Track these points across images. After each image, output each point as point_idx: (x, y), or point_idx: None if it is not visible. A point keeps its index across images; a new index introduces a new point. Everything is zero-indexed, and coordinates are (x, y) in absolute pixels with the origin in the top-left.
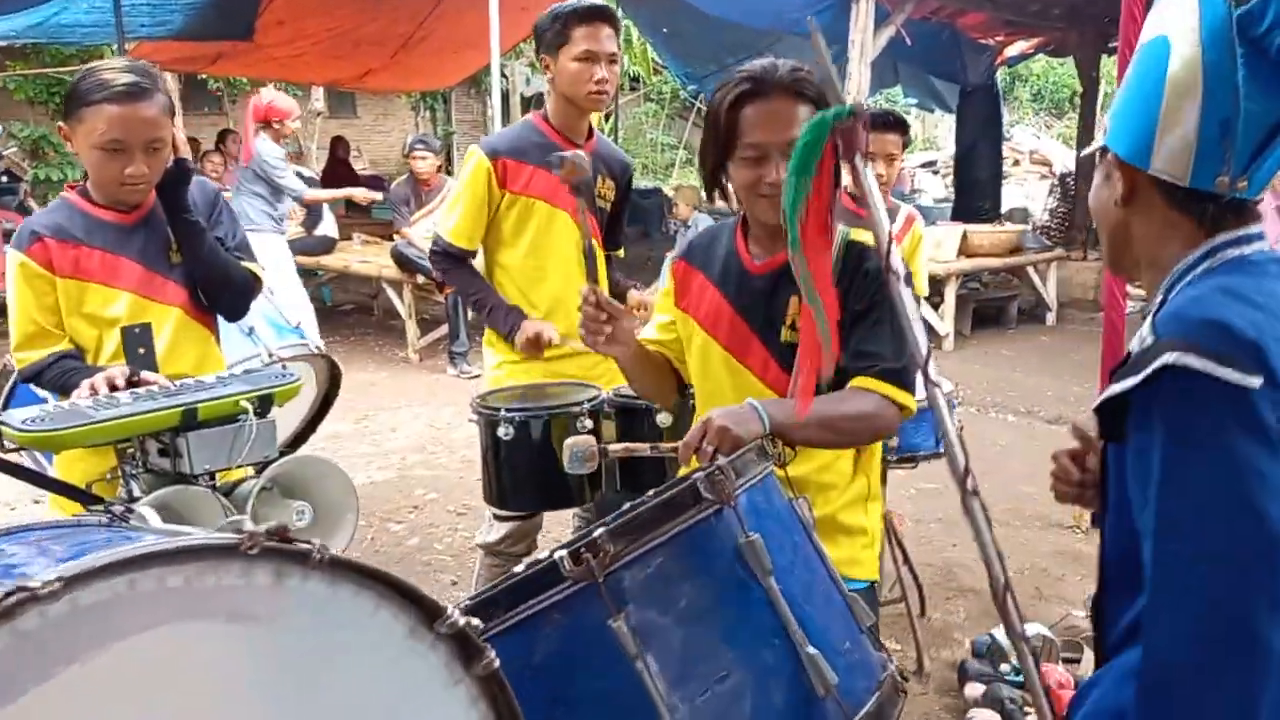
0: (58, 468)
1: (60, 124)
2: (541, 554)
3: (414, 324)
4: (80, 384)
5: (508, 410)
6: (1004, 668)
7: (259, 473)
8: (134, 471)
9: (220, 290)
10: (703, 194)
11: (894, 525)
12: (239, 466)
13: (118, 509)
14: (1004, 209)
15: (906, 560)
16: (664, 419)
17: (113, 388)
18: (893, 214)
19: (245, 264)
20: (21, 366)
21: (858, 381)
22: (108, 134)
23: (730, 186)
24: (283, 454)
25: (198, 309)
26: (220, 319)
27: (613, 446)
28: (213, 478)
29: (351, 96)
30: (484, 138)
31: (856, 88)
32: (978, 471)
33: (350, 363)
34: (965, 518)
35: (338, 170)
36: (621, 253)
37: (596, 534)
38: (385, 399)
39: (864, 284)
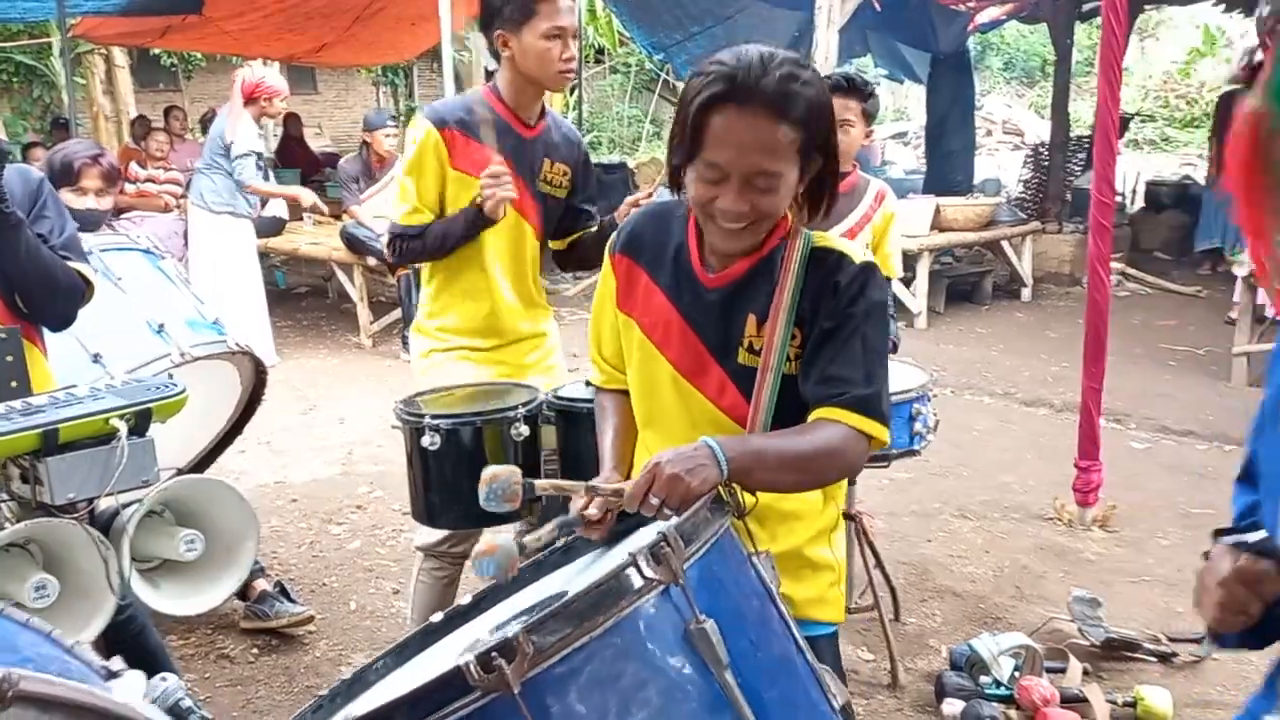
0: None
1: None
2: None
3: (366, 308)
4: None
5: (434, 417)
6: (984, 680)
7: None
8: None
9: (43, 296)
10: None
11: (864, 525)
12: (111, 494)
13: None
14: (977, 180)
15: (879, 563)
16: None
17: None
18: (861, 190)
19: (73, 265)
20: None
21: (823, 412)
22: None
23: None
24: (180, 472)
25: (13, 318)
26: (92, 319)
27: (539, 483)
28: (90, 504)
29: (312, 72)
30: (431, 105)
31: (825, 57)
32: (954, 460)
33: (302, 349)
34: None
35: (291, 148)
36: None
37: (512, 633)
38: (334, 387)
39: (836, 297)
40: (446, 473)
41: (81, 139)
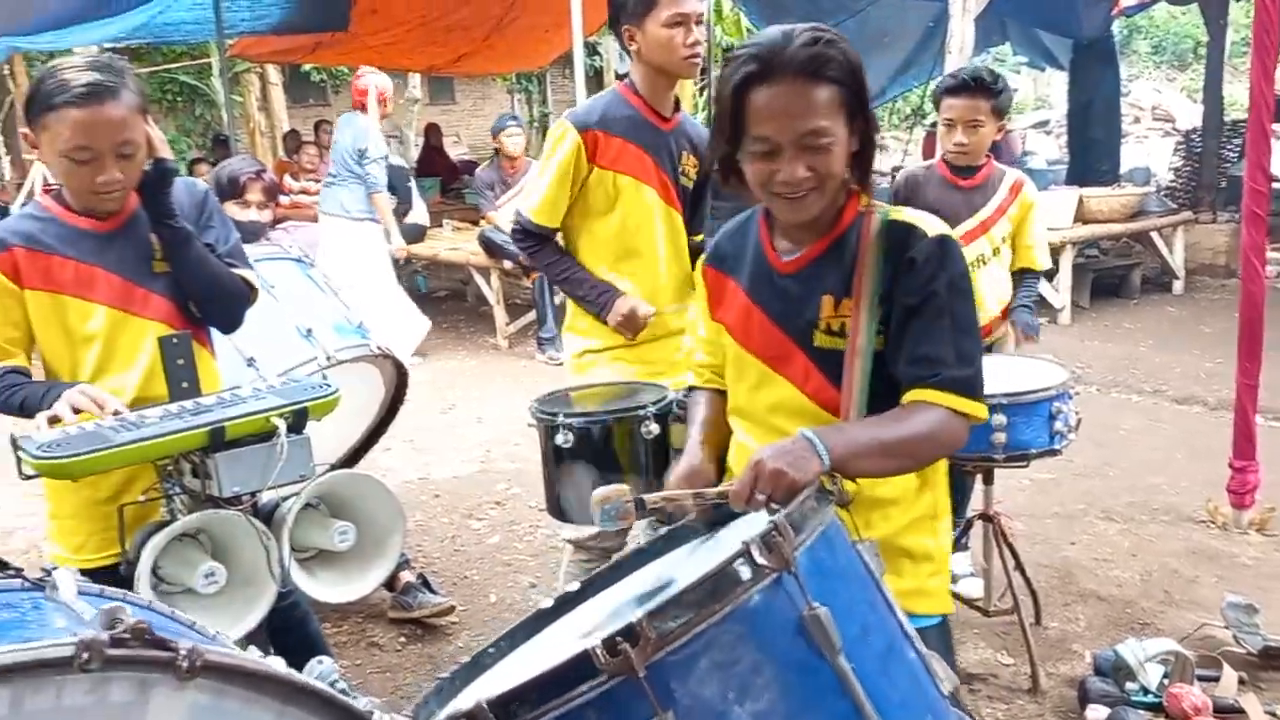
0: (84, 486)
1: (23, 130)
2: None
3: (502, 309)
4: (20, 402)
5: (566, 415)
6: (1130, 687)
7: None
8: (172, 491)
9: (211, 301)
10: None
11: (1002, 526)
12: (272, 488)
13: (33, 575)
14: (1123, 170)
15: (1019, 564)
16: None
17: (76, 411)
18: (995, 181)
19: (239, 271)
20: None
21: (918, 394)
22: (72, 140)
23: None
24: (333, 468)
25: (186, 323)
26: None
27: (650, 498)
28: (254, 497)
29: (450, 83)
30: (572, 110)
31: (960, 47)
32: (1099, 460)
33: (441, 350)
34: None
35: (432, 157)
36: (700, 237)
37: (636, 619)
38: (473, 387)
39: (913, 273)
40: (579, 469)
41: (244, 156)
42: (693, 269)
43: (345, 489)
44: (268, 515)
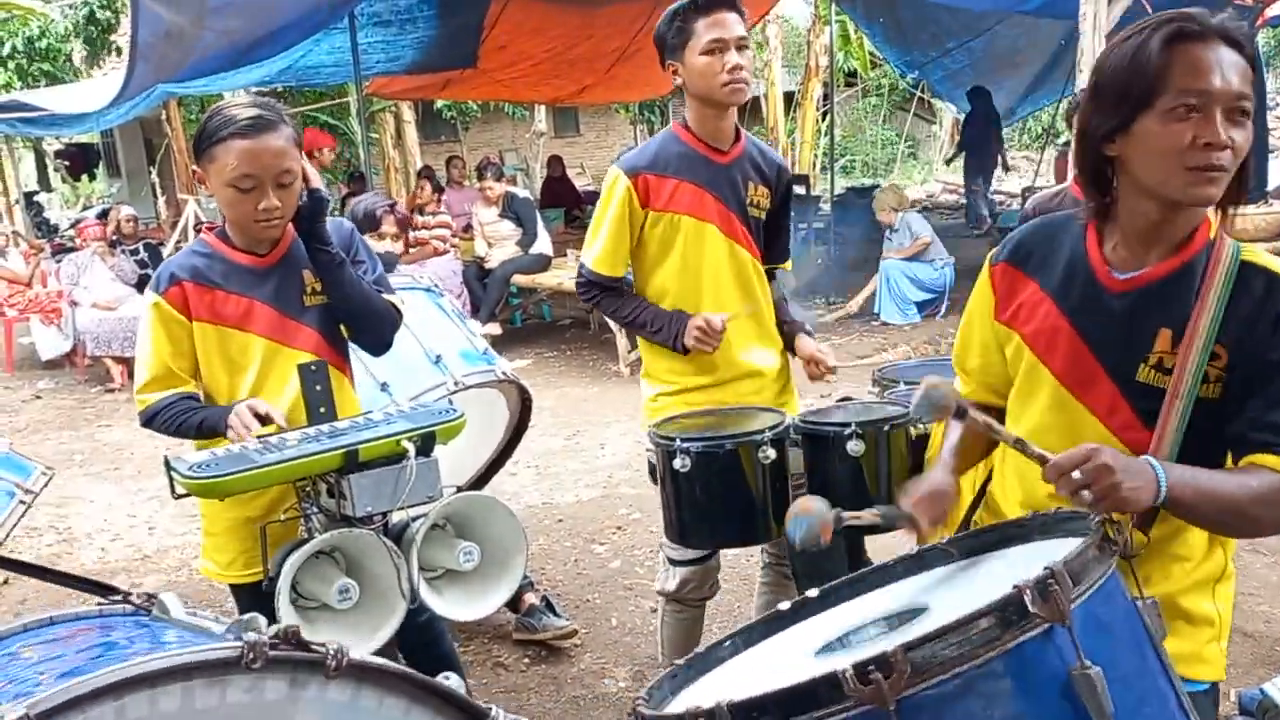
0: (236, 505)
1: (193, 168)
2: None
3: (624, 337)
4: (199, 423)
5: (684, 440)
6: None
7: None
8: (310, 511)
9: (364, 323)
10: (906, 194)
11: None
12: (401, 508)
13: (137, 599)
14: (1270, 186)
15: None
16: (856, 447)
17: (261, 419)
18: None
19: (387, 297)
20: (141, 408)
21: (1262, 459)
22: (238, 169)
23: (1115, 167)
24: (461, 490)
25: (331, 353)
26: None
27: (849, 515)
28: (385, 516)
29: (574, 115)
30: (624, 155)
31: (1091, 65)
32: None
33: (565, 378)
34: None
35: (555, 188)
36: (788, 266)
37: (890, 649)
38: (596, 414)
39: (1276, 329)
40: (697, 493)
41: (375, 192)
42: (772, 309)
43: (471, 510)
44: (398, 535)
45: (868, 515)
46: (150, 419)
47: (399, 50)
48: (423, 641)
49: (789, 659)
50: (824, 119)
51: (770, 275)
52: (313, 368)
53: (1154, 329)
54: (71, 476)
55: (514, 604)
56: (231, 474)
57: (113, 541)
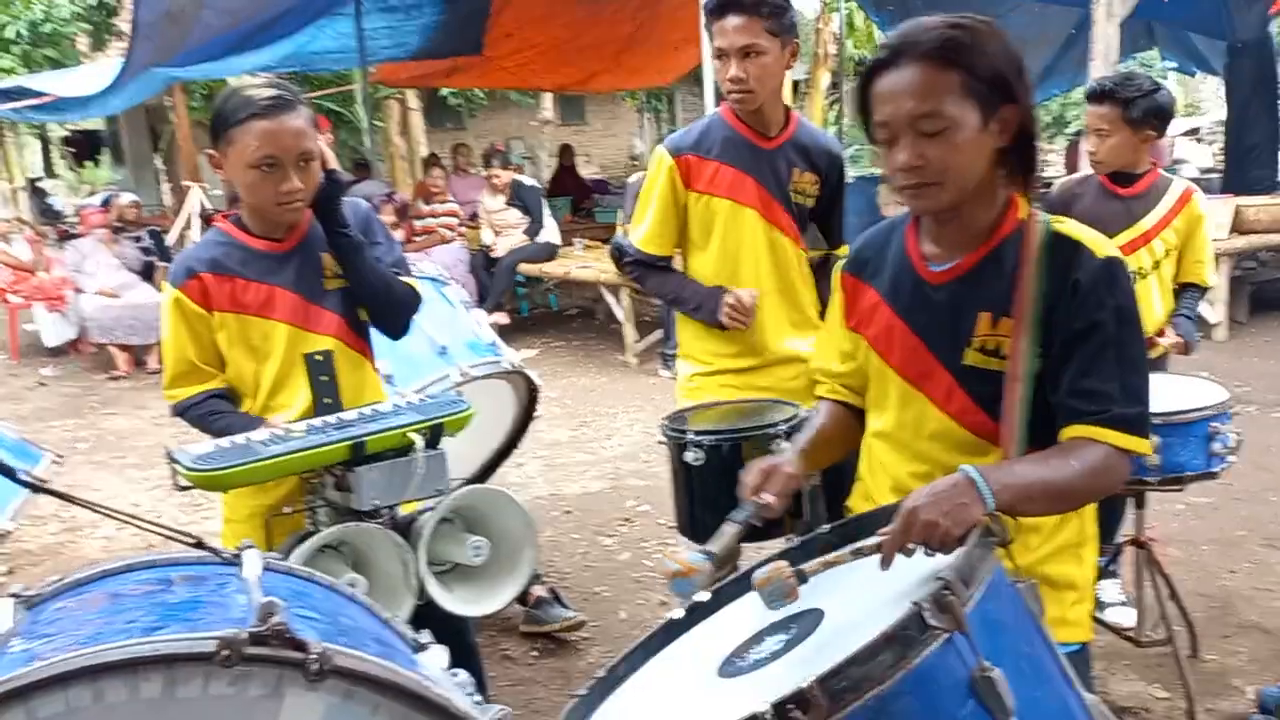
0: (255, 494)
1: (209, 151)
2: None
3: (632, 327)
4: (222, 430)
5: (696, 433)
6: None
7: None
8: (315, 504)
9: (383, 307)
10: None
11: (1155, 553)
12: (409, 501)
13: (227, 553)
14: None
15: (1173, 594)
16: None
17: None
18: (1160, 189)
19: (405, 280)
20: (171, 403)
21: (1081, 430)
22: (260, 150)
23: None
24: (468, 483)
25: (353, 336)
26: (383, 341)
27: (808, 567)
28: (392, 510)
29: (581, 104)
30: (670, 135)
31: (1104, 53)
32: (1260, 484)
33: (572, 368)
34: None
35: (563, 178)
36: (844, 250)
37: (806, 686)
38: (603, 404)
39: (1080, 296)
40: (709, 487)
41: (374, 179)
42: (814, 293)
43: (480, 504)
44: (405, 529)
45: (727, 532)
46: (181, 414)
47: (404, 36)
48: (449, 631)
49: (693, 678)
50: (832, 108)
51: (826, 260)
52: (319, 357)
53: (973, 314)
54: (76, 464)
55: (522, 597)
56: (235, 466)
57: (119, 530)
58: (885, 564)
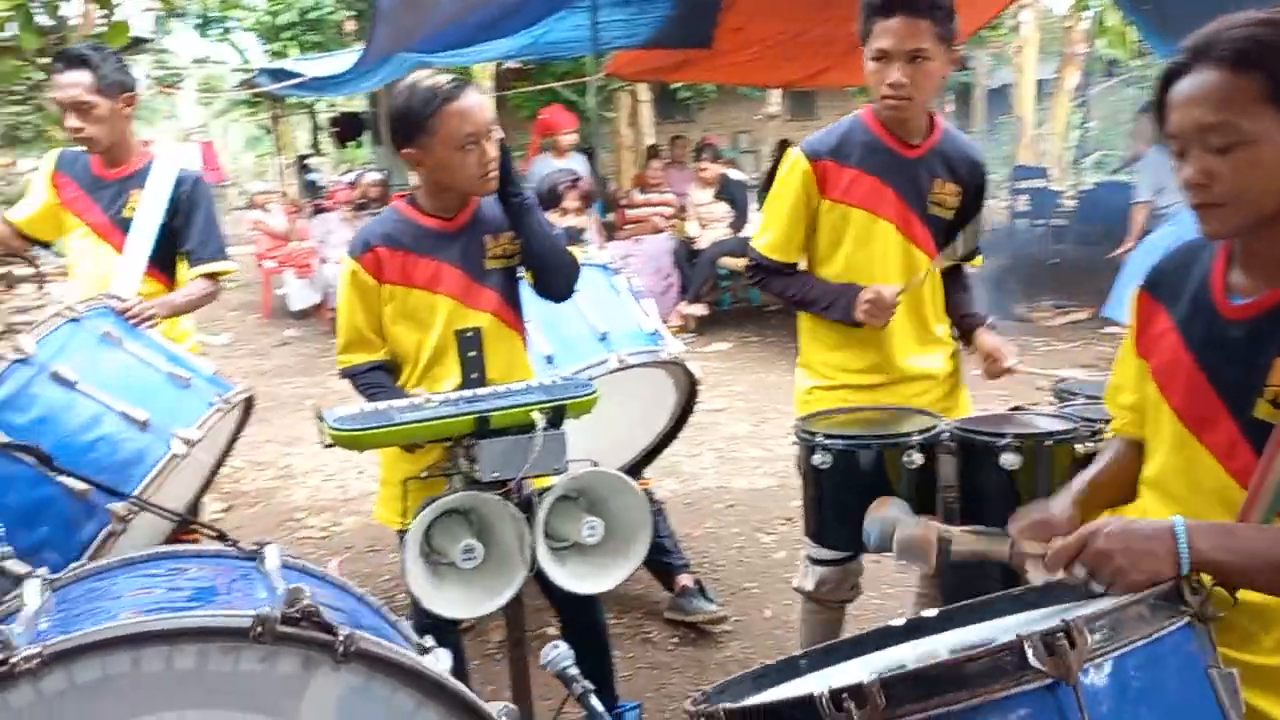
0: (408, 460)
1: (406, 150)
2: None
3: None
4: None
5: (826, 436)
6: None
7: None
8: (451, 471)
9: (550, 268)
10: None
11: None
12: (526, 477)
13: (247, 547)
14: None
15: None
16: (1011, 460)
17: None
18: None
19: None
20: (341, 368)
21: None
22: (464, 128)
23: None
24: (627, 469)
25: (509, 313)
26: (547, 324)
27: (956, 542)
28: (520, 484)
29: (812, 100)
30: (808, 138)
31: None
32: None
33: (763, 364)
34: None
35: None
36: (979, 262)
37: (867, 681)
38: (787, 402)
39: None
40: (835, 492)
41: (563, 169)
42: (948, 308)
43: (600, 487)
44: (526, 503)
45: (965, 536)
46: (349, 378)
47: (636, 27)
48: (576, 600)
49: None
50: (1078, 109)
51: (957, 271)
52: (469, 334)
53: (1270, 359)
54: (303, 418)
55: (669, 584)
56: (370, 429)
57: (325, 481)
58: (1050, 569)
